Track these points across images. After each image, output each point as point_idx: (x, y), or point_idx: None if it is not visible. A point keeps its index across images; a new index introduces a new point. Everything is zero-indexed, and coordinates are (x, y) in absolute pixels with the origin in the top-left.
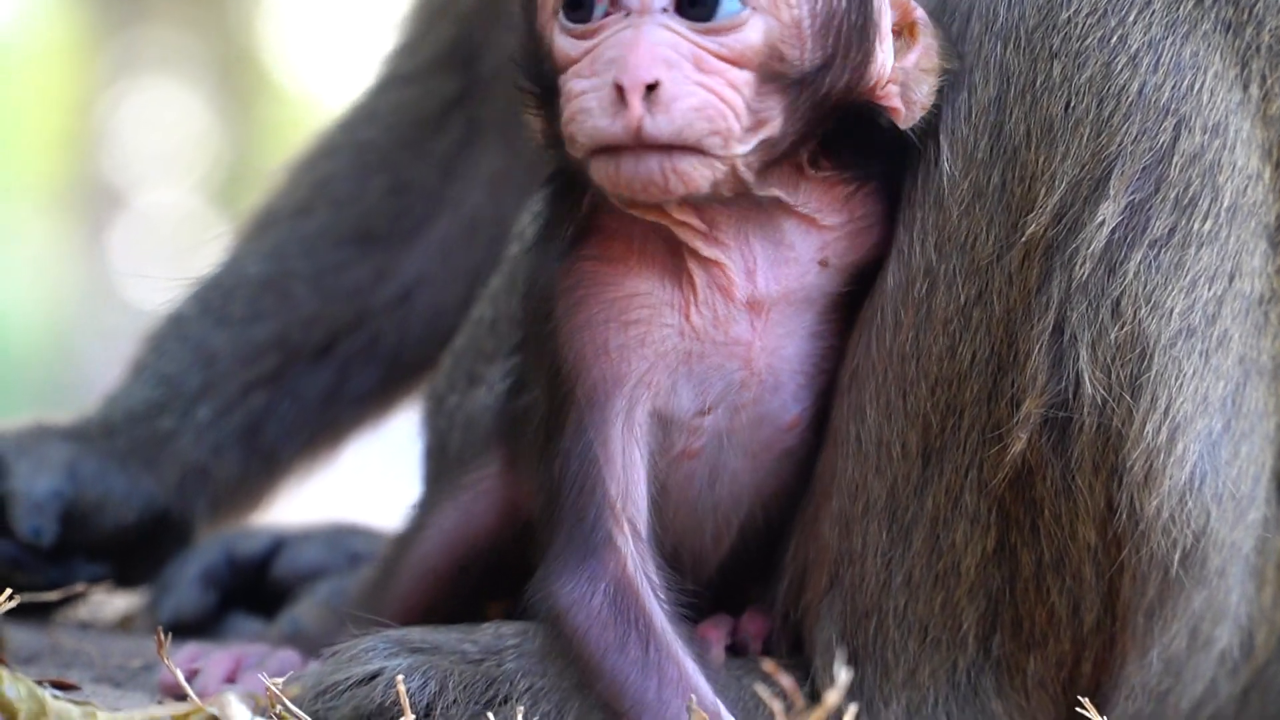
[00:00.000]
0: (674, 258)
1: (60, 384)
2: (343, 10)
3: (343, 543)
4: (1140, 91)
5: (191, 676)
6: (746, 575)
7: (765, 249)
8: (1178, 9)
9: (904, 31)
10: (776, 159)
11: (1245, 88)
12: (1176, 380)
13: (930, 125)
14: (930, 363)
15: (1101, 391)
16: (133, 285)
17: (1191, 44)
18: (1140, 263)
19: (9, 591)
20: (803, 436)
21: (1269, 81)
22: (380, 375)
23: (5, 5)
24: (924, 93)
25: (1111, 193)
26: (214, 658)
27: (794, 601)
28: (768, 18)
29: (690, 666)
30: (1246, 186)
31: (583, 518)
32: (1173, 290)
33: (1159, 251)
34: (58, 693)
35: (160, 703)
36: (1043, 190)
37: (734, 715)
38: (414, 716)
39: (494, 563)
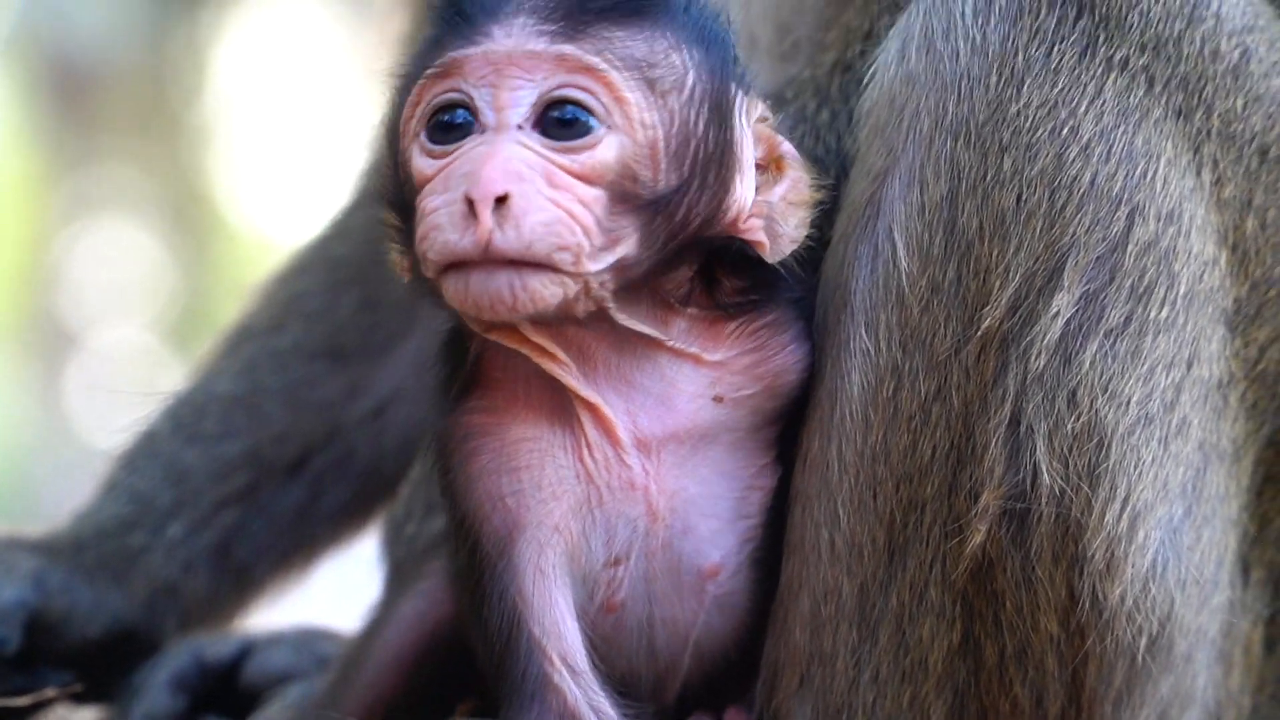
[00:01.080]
0: (560, 401)
1: (15, 520)
2: (293, 151)
3: (311, 646)
4: (1093, 181)
5: None
6: (717, 684)
7: (647, 387)
8: (1128, 97)
9: (770, 165)
10: (637, 288)
11: (1198, 173)
12: (1135, 468)
13: (885, 225)
14: (895, 460)
15: (1059, 481)
16: (88, 423)
17: (1143, 132)
18: (1096, 352)
19: None
20: (734, 585)
21: (1221, 166)
22: (354, 491)
23: None
24: (792, 226)
25: (1066, 283)
26: None
27: (767, 701)
28: (622, 137)
29: None
30: (1203, 272)
31: (516, 663)
32: (1130, 379)
33: (1115, 341)
34: None
35: None
36: (997, 283)
37: None
38: None
39: (457, 650)
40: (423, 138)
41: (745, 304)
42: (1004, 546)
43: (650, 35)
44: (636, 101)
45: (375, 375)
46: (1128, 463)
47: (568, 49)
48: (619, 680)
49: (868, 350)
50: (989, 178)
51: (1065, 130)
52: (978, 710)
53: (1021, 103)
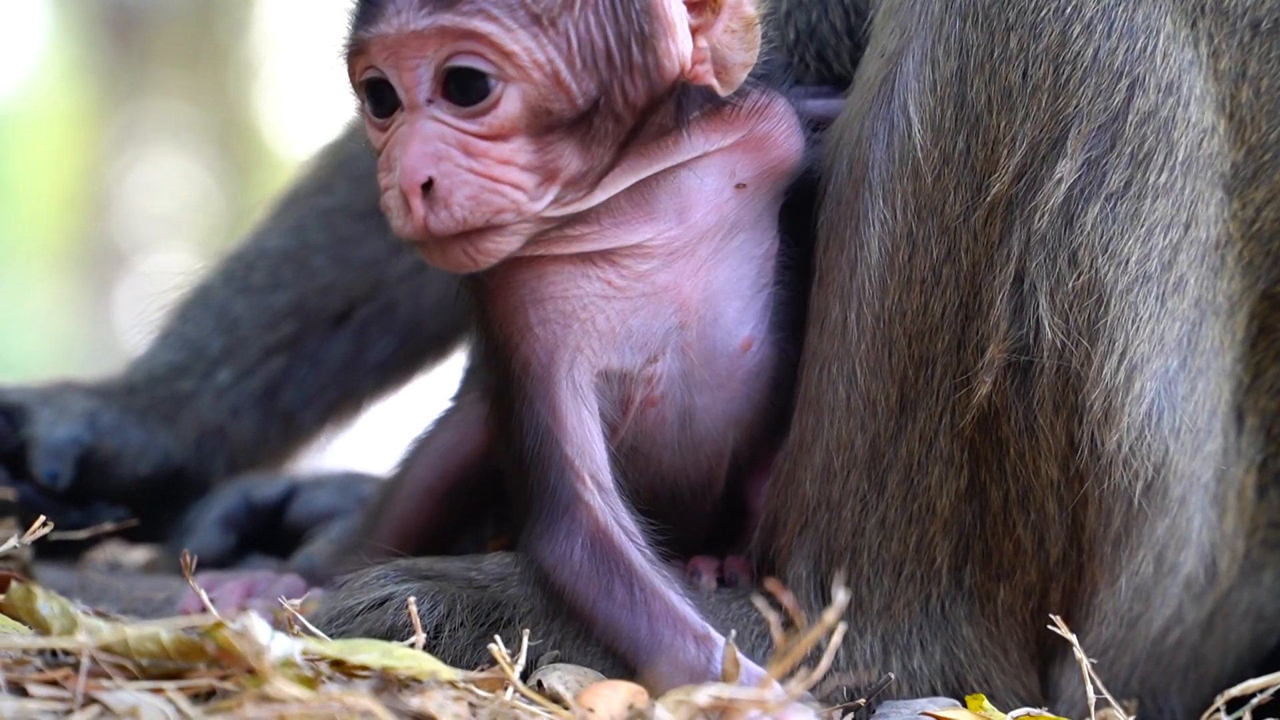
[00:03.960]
0: None
1: None
2: (334, 85)
3: (354, 488)
4: (1095, 56)
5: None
6: (739, 518)
7: (671, 202)
8: None
9: (706, 2)
10: (627, 148)
11: (1195, 46)
12: (1133, 323)
13: (900, 101)
14: (909, 320)
15: (1060, 336)
16: (136, 342)
17: (1143, 9)
18: (1097, 215)
19: (41, 519)
20: (762, 354)
21: (1216, 39)
22: (397, 343)
23: (15, 74)
24: (741, 52)
25: (1069, 151)
26: (228, 584)
27: (767, 545)
28: (521, 85)
29: (674, 598)
30: (1201, 140)
31: (547, 482)
32: (1129, 240)
33: (1115, 204)
34: (89, 608)
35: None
36: (1004, 152)
37: (723, 634)
38: (425, 636)
39: (488, 481)
40: (367, 108)
41: (743, 90)
42: (1008, 397)
43: None
44: (524, 47)
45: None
46: (1125, 318)
47: (445, 19)
48: (664, 484)
49: (885, 219)
50: (996, 55)
51: (1069, 9)
52: (982, 551)
53: None
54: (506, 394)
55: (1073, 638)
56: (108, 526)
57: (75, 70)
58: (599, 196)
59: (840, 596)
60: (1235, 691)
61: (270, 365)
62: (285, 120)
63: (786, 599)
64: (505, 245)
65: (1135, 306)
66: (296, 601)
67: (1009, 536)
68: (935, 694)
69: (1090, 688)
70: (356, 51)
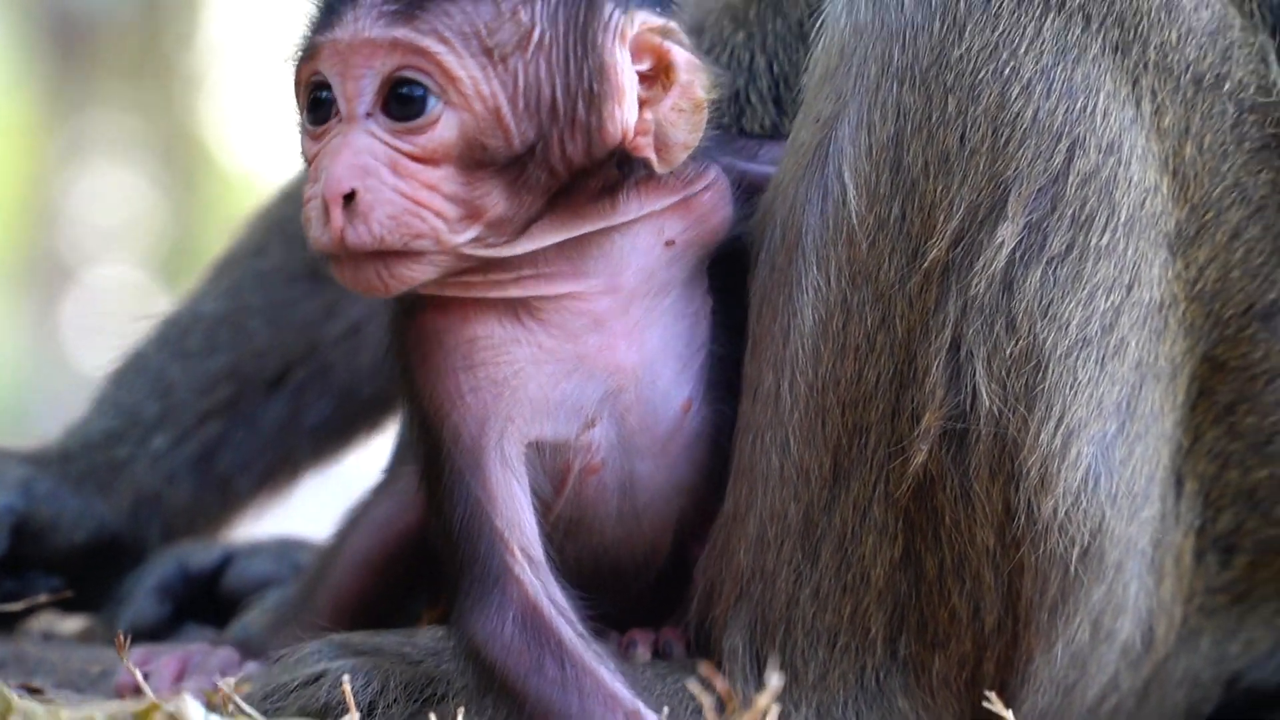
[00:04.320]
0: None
1: None
2: (280, 97)
3: (290, 556)
4: (1034, 117)
5: (144, 678)
6: (679, 588)
7: (601, 264)
8: (1066, 36)
9: (659, 74)
10: (557, 206)
11: (1137, 104)
12: (1071, 388)
13: (835, 167)
14: (843, 388)
15: (997, 403)
16: (82, 356)
17: (1082, 68)
18: (1038, 279)
19: None
20: (703, 416)
21: (1159, 96)
22: (334, 407)
23: None
24: (684, 132)
25: (1009, 214)
26: (163, 659)
27: (703, 616)
28: (460, 112)
29: (605, 674)
30: (1144, 199)
31: (477, 555)
32: (1070, 303)
33: (1056, 267)
34: (23, 692)
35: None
36: (941, 217)
37: (656, 712)
38: (359, 715)
39: (424, 554)
40: (304, 117)
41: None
42: (944, 465)
43: None
44: (469, 75)
45: (351, 297)
46: (1064, 383)
47: (400, 32)
48: (606, 556)
49: (818, 286)
50: (934, 118)
51: (1007, 70)
52: (917, 621)
53: (964, 47)
54: (436, 464)
55: (1008, 713)
56: (43, 597)
57: (19, 81)
58: (523, 245)
59: (775, 681)
60: None
61: (206, 430)
62: (231, 133)
63: (719, 682)
64: (419, 273)
65: (1074, 371)
66: (231, 680)
67: (944, 605)
68: None
69: None
70: (307, 56)
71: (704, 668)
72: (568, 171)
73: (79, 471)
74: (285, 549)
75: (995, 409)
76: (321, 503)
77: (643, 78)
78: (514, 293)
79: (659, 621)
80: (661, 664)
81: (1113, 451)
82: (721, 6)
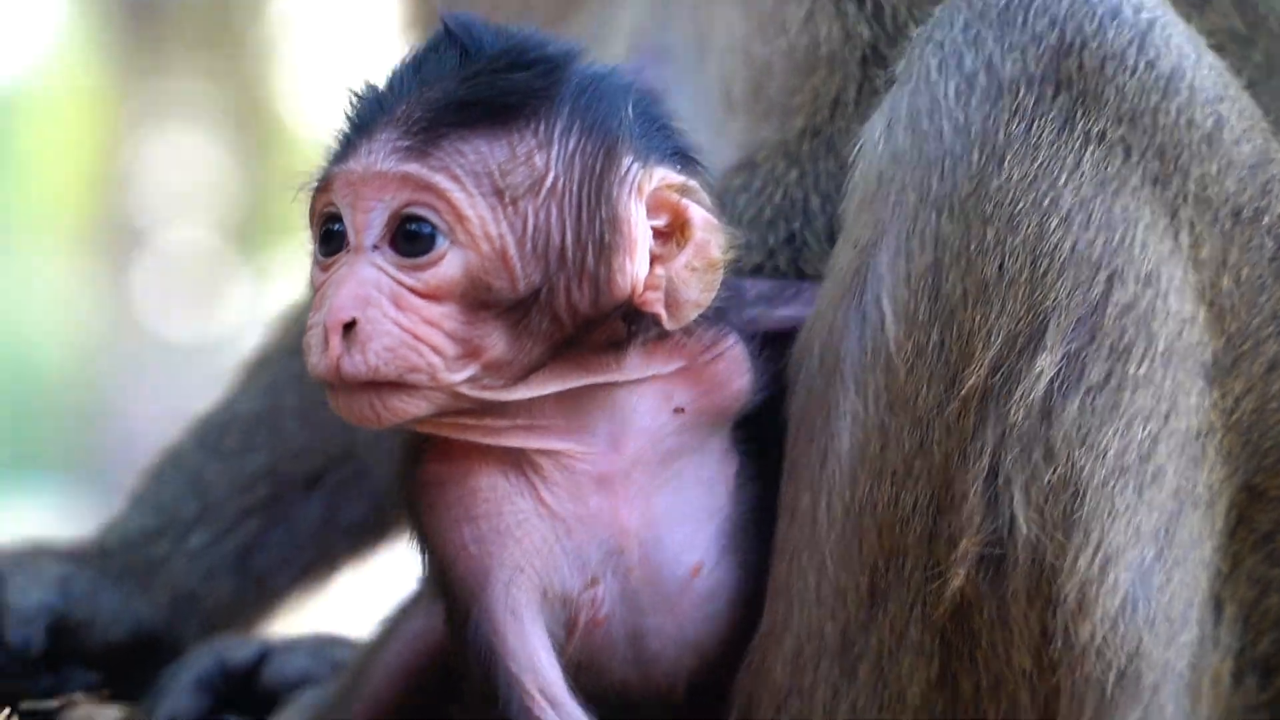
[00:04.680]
0: (511, 449)
1: (86, 411)
2: (349, 62)
3: (327, 652)
4: (1073, 248)
5: None
6: (704, 712)
7: (605, 423)
8: (1106, 167)
9: (675, 231)
10: (561, 356)
11: (1175, 236)
12: (1109, 516)
13: (873, 294)
14: (880, 511)
15: (1035, 530)
16: (154, 319)
17: (1121, 199)
18: (1076, 408)
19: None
20: (717, 578)
21: (1197, 228)
22: (370, 506)
23: (33, 53)
24: (696, 292)
25: (1048, 344)
26: None
27: None
28: (467, 252)
29: None
30: (1181, 329)
31: (498, 699)
32: (1108, 432)
33: (1095, 396)
34: None
35: None
36: (980, 345)
37: None
38: None
39: (458, 667)
40: (315, 248)
41: (693, 324)
42: (981, 589)
43: (512, 139)
44: (479, 215)
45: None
46: (1102, 511)
47: (412, 168)
48: (622, 694)
49: (856, 411)
50: (972, 248)
51: (1046, 201)
52: None
53: (1003, 177)
54: (450, 607)
55: None
56: (78, 697)
57: (93, 48)
58: (521, 392)
59: None
60: None
61: (244, 528)
62: (301, 97)
63: None
64: (412, 408)
65: (1112, 499)
66: None
67: None
68: None
69: None
70: (322, 186)
71: None
72: (573, 321)
73: (117, 569)
74: (322, 645)
75: (1033, 535)
76: (358, 599)
77: (657, 233)
78: (509, 442)
79: None
80: None
81: (1151, 577)
82: (775, 143)
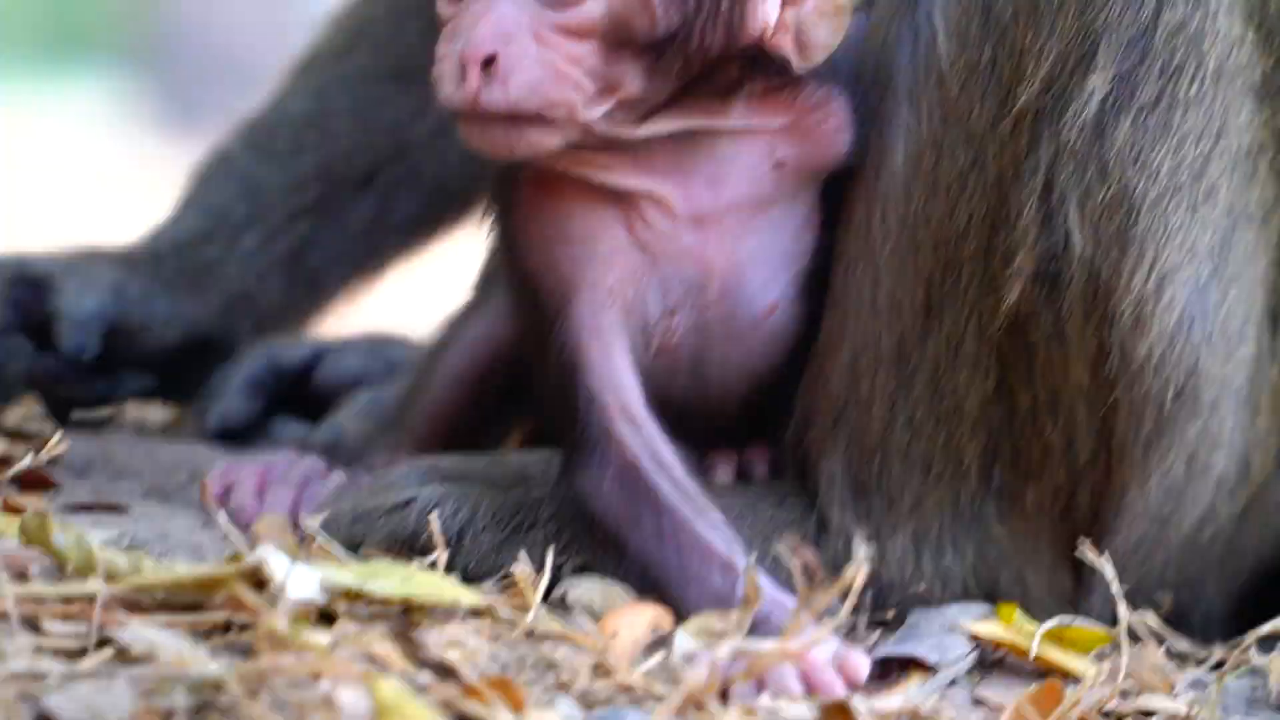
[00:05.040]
0: (614, 185)
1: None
2: None
3: (380, 352)
4: None
5: (226, 493)
6: (761, 414)
7: (706, 167)
8: None
9: None
10: (677, 96)
11: None
12: (1163, 234)
13: (925, 10)
14: (934, 225)
15: (1090, 247)
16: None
17: None
18: (1128, 127)
19: (56, 437)
20: (787, 319)
21: None
22: (422, 204)
23: None
24: (824, 35)
25: (1100, 64)
26: (245, 472)
27: (798, 441)
28: None
29: (703, 528)
30: (1231, 50)
31: (577, 415)
32: (1160, 151)
33: (1146, 117)
34: (106, 528)
35: (206, 526)
36: (1031, 65)
37: (748, 556)
38: (446, 553)
39: (519, 372)
40: None
41: (804, 78)
42: (1037, 305)
43: None
44: None
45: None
46: (1156, 229)
47: None
48: (669, 411)
49: (910, 126)
50: None
51: None
52: (1011, 453)
53: None
54: (532, 324)
55: (1106, 568)
56: (128, 401)
57: None
58: (644, 130)
59: (863, 551)
60: (1265, 630)
61: (296, 229)
62: None
63: (808, 554)
64: (545, 142)
65: (1166, 217)
66: (315, 519)
67: (1037, 439)
68: (968, 594)
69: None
70: None
71: (789, 543)
72: (702, 61)
73: (170, 272)
74: (376, 345)
75: (1088, 252)
76: (410, 297)
77: None
78: (619, 179)
79: (742, 443)
80: (752, 493)
81: (1206, 294)
82: None
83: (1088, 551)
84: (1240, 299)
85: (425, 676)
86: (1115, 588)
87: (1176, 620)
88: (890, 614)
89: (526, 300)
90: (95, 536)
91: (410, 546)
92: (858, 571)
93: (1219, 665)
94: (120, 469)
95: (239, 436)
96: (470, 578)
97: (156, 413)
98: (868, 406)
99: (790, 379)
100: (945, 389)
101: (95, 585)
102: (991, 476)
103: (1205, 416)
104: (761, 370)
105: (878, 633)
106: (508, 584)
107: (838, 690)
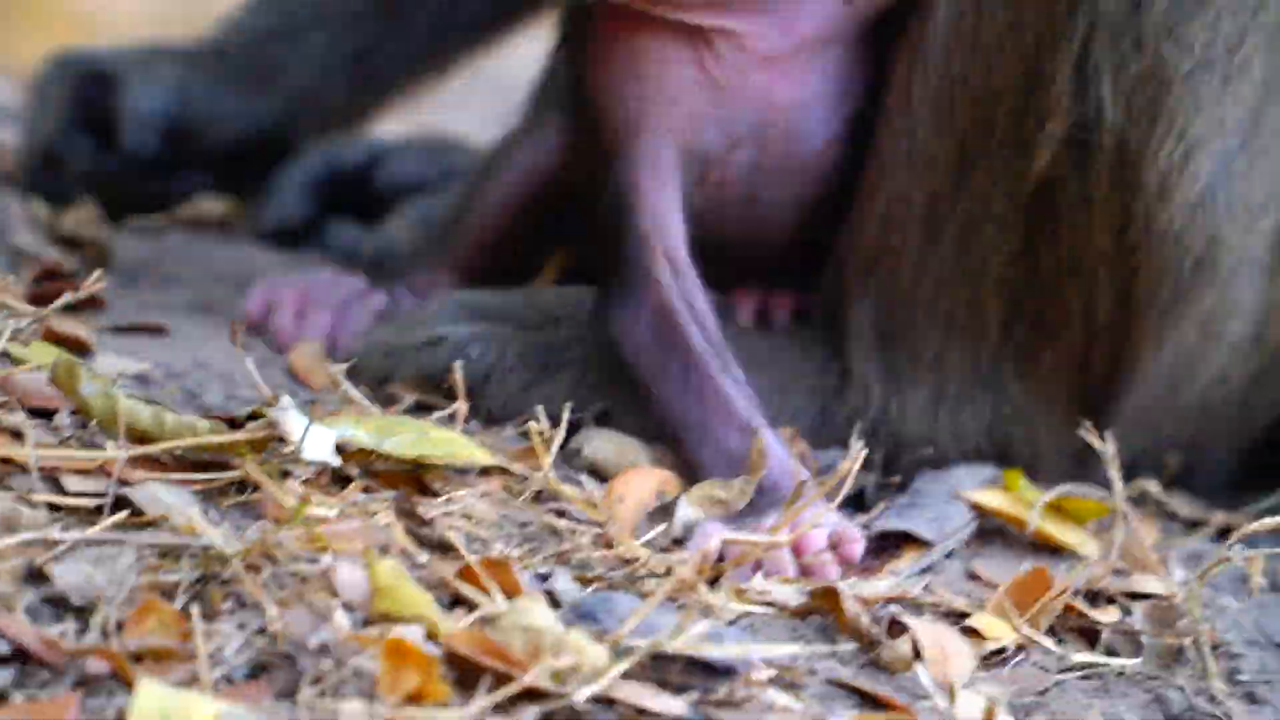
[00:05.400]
0: (688, 24)
1: None
2: None
3: (439, 157)
4: None
5: (266, 315)
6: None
7: (781, 3)
8: None
9: None
10: None
11: None
12: (1195, 107)
13: None
14: (971, 84)
15: (1121, 118)
16: None
17: None
18: (1165, 1)
19: (96, 274)
20: (841, 158)
21: None
22: (488, 5)
23: None
24: None
25: None
26: (285, 293)
27: (831, 286)
28: None
29: (728, 387)
30: None
31: (622, 255)
32: (1195, 25)
33: None
34: (140, 358)
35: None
36: None
37: (764, 415)
38: (466, 405)
39: (565, 202)
40: None
41: None
42: (1066, 169)
43: None
44: None
45: None
46: (1187, 102)
47: None
48: (716, 242)
49: None
50: None
51: None
52: (1032, 312)
53: None
54: (589, 155)
55: (1105, 445)
56: (185, 200)
57: None
58: None
59: (857, 447)
60: (1266, 504)
61: (362, 27)
62: None
63: (799, 466)
64: None
65: (1197, 90)
66: (342, 367)
67: (1058, 299)
68: (980, 455)
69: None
70: None
71: (791, 436)
72: None
73: (233, 70)
74: (435, 149)
75: (1119, 123)
76: (471, 100)
77: None
78: (694, 16)
79: (767, 285)
80: (776, 340)
81: (1233, 166)
82: None
83: (1088, 433)
84: (1266, 171)
85: (425, 555)
86: (1114, 471)
87: (1183, 479)
88: (897, 479)
89: (586, 133)
90: (129, 367)
91: (438, 385)
92: (858, 457)
93: (1222, 534)
94: (170, 276)
95: (294, 237)
96: (494, 420)
97: (214, 206)
98: (897, 258)
99: (832, 223)
100: (972, 246)
101: (113, 451)
102: (1011, 335)
103: (1223, 285)
104: (808, 211)
105: (882, 505)
106: (525, 433)
107: (831, 574)
